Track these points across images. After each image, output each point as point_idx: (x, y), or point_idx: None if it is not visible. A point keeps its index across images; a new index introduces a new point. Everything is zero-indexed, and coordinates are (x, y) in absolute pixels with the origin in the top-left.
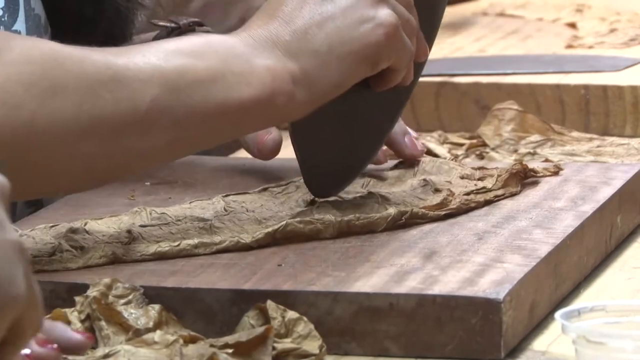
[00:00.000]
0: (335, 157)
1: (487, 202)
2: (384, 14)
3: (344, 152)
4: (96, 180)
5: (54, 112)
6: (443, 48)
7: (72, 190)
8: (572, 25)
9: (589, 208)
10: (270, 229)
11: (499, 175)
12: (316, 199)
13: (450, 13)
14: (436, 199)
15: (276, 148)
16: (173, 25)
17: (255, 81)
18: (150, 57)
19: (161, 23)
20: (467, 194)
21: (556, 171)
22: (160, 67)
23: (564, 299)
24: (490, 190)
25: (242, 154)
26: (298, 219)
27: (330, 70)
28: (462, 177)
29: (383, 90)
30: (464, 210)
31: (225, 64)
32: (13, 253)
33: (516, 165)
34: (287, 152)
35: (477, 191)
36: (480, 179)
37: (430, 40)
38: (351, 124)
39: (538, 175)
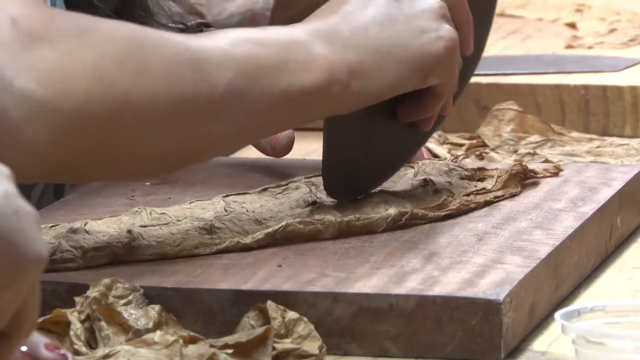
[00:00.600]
0: (359, 163)
1: (487, 203)
2: (446, 29)
3: (368, 163)
4: (170, 166)
5: (144, 90)
6: None
7: (142, 177)
8: (572, 26)
9: (588, 209)
10: (270, 230)
11: (498, 176)
12: (317, 199)
13: None
14: (436, 199)
15: (289, 145)
16: (180, 26)
17: (315, 69)
18: (219, 42)
19: (169, 24)
20: (467, 194)
21: (556, 172)
22: (230, 52)
23: (564, 300)
24: (490, 191)
25: (242, 154)
26: (298, 219)
27: (386, 71)
28: (462, 178)
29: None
30: (464, 211)
31: (287, 51)
32: (33, 219)
33: (516, 166)
34: (290, 152)
35: (477, 192)
36: (480, 179)
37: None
38: (381, 140)
39: (538, 176)
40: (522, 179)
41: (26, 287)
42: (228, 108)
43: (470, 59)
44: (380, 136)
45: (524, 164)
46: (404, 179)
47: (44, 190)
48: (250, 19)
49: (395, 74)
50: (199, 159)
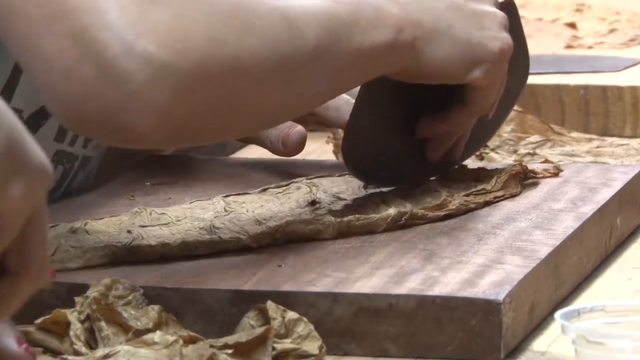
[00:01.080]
0: (379, 148)
1: (487, 203)
2: (505, 35)
3: (387, 153)
4: (267, 123)
5: (250, 48)
6: None
7: (241, 135)
8: (572, 25)
9: (588, 209)
10: (270, 229)
11: (498, 177)
12: (317, 199)
13: None
14: (435, 199)
15: (302, 142)
16: None
17: (383, 26)
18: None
19: None
20: (467, 194)
21: (556, 172)
22: (311, 9)
23: (564, 300)
24: (489, 191)
25: (243, 154)
26: (298, 219)
27: (442, 44)
28: (461, 178)
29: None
30: (463, 211)
31: (357, 7)
32: (29, 135)
33: (516, 166)
34: None
35: (477, 192)
36: (480, 180)
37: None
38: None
39: (538, 176)
40: (522, 179)
41: (32, 202)
42: (318, 64)
43: (486, 125)
44: (404, 138)
45: (523, 164)
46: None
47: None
48: None
49: (448, 51)
50: (291, 117)
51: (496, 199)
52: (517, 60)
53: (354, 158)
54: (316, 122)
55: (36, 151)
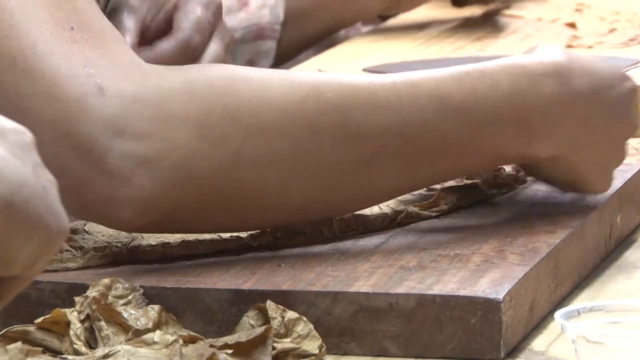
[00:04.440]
0: None
1: (480, 201)
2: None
3: None
4: (313, 215)
5: (262, 147)
6: (443, 47)
7: (285, 224)
8: (572, 25)
9: (588, 208)
10: (270, 229)
11: (487, 180)
12: None
13: (451, 13)
14: (428, 197)
15: None
16: None
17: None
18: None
19: None
20: (459, 190)
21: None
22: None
23: (564, 299)
24: (482, 189)
25: None
26: None
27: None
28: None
29: None
30: (456, 208)
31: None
32: (55, 189)
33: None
34: None
35: (468, 187)
36: (468, 177)
37: None
38: None
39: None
40: (515, 178)
41: (41, 266)
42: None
43: None
44: None
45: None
46: None
47: None
48: (255, 34)
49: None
50: (351, 210)
51: (487, 197)
52: None
53: None
54: None
55: (58, 214)
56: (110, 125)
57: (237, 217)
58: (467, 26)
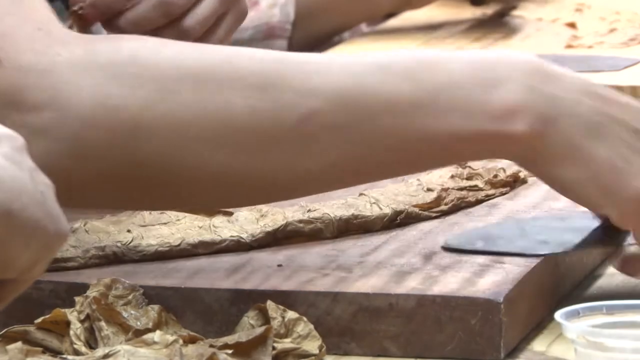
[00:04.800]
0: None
1: (479, 201)
2: None
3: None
4: (253, 194)
5: (163, 116)
6: (443, 48)
7: (221, 203)
8: (572, 25)
9: None
10: (270, 229)
11: (487, 180)
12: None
13: (451, 13)
14: (429, 197)
15: None
16: None
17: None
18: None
19: None
20: (460, 190)
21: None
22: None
23: (564, 300)
24: (481, 189)
25: None
26: (298, 218)
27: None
28: (452, 177)
29: None
30: (457, 208)
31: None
32: (53, 193)
33: (507, 174)
34: None
35: (470, 188)
36: (469, 177)
37: None
38: None
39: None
40: (511, 184)
41: (40, 269)
42: (314, 139)
43: None
44: None
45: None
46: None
47: None
48: (265, 33)
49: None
50: (295, 193)
51: (488, 198)
52: None
53: None
54: None
55: (57, 217)
56: (8, 97)
57: (153, 193)
58: (467, 26)
